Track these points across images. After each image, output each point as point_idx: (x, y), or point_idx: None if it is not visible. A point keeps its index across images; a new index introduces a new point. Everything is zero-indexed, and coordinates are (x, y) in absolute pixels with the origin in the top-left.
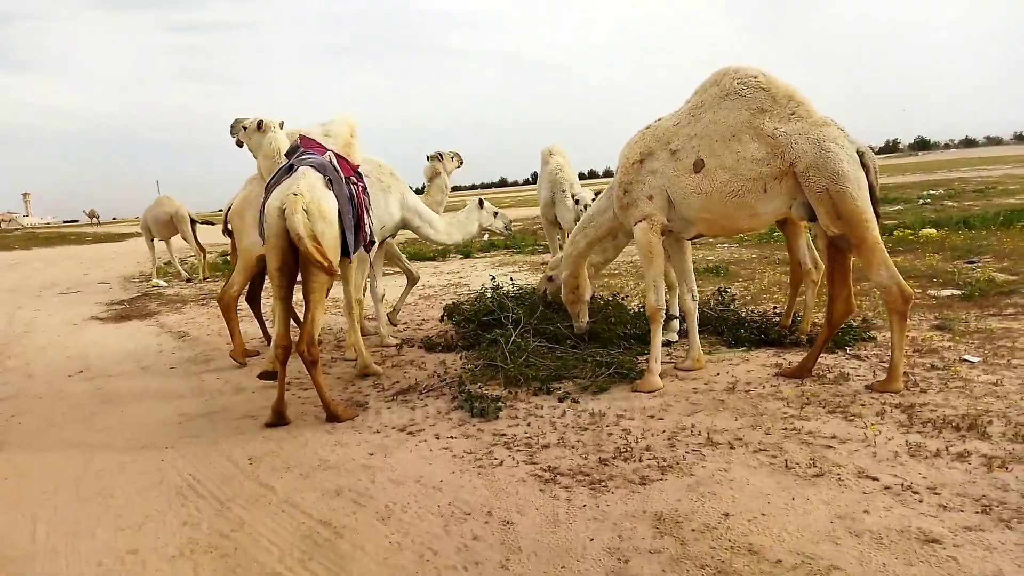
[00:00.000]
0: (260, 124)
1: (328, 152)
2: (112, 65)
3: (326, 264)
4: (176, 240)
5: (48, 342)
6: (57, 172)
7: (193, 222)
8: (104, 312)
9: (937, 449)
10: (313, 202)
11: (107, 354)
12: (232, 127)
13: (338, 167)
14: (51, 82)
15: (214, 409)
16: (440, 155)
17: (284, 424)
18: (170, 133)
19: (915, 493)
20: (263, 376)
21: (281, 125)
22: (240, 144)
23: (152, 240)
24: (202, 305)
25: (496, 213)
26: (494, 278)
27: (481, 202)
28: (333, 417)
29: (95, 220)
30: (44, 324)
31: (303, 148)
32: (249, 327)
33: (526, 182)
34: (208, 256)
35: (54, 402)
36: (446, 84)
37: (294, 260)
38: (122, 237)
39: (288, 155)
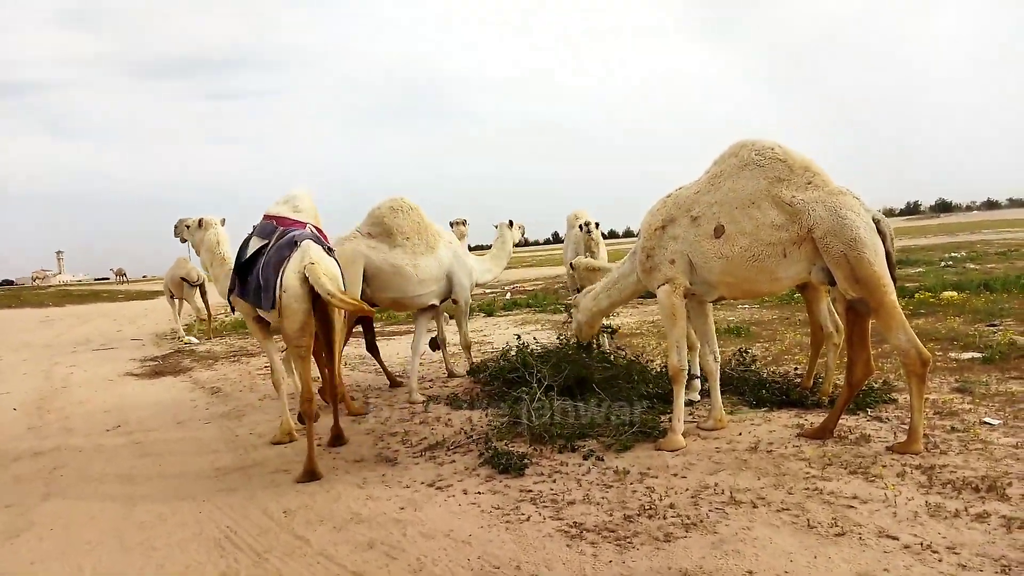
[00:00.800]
0: (201, 222)
1: (307, 225)
2: (143, 130)
3: (357, 305)
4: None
5: (85, 397)
6: (89, 232)
7: (203, 285)
8: (138, 368)
9: (956, 510)
10: (326, 267)
11: (143, 409)
12: (176, 227)
13: (319, 236)
14: (86, 146)
15: (248, 463)
16: (511, 223)
17: (316, 479)
18: (200, 195)
19: (935, 552)
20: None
21: (223, 222)
22: (183, 240)
23: (173, 298)
24: (234, 362)
25: (520, 227)
26: (519, 336)
27: (511, 222)
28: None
29: (123, 278)
30: (80, 379)
31: (281, 227)
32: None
33: (547, 241)
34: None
35: (93, 455)
36: (468, 147)
37: (312, 321)
38: (153, 295)
39: (264, 235)
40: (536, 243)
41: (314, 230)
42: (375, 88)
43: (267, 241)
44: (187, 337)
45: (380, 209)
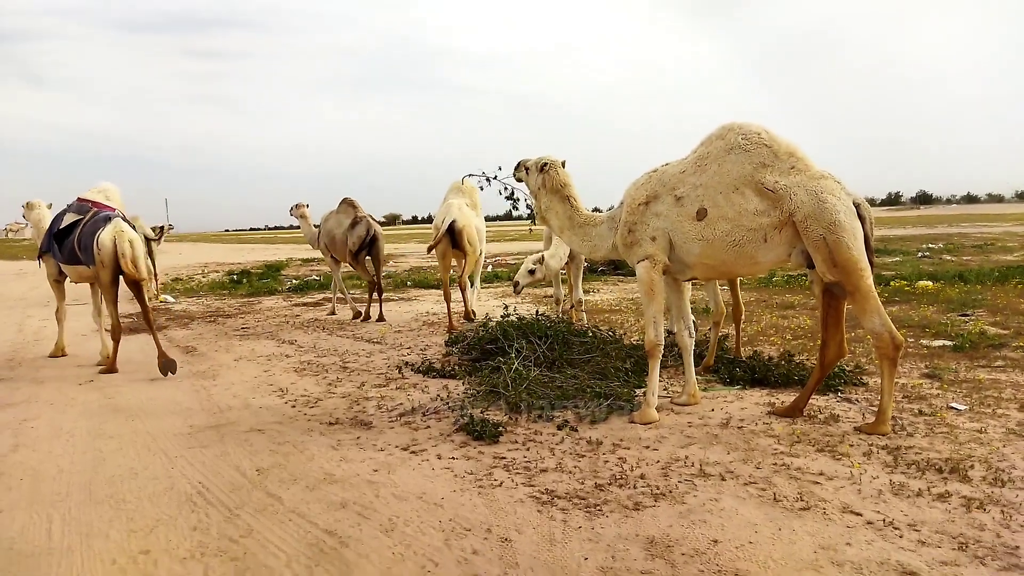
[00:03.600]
0: (29, 204)
1: (116, 210)
2: (125, 86)
3: (141, 276)
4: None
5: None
6: (65, 187)
7: (148, 242)
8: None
9: (919, 489)
10: (134, 238)
11: (117, 365)
12: (23, 208)
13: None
14: (64, 99)
15: (222, 422)
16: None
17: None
18: (181, 155)
19: (896, 529)
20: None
21: (50, 206)
22: (25, 218)
23: None
24: (210, 322)
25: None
26: (506, 307)
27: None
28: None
29: None
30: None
31: (95, 208)
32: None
33: (530, 216)
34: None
35: (64, 409)
36: (452, 119)
37: (118, 276)
38: None
39: (80, 212)
40: (520, 218)
41: (121, 214)
42: (363, 55)
43: (82, 217)
44: (163, 295)
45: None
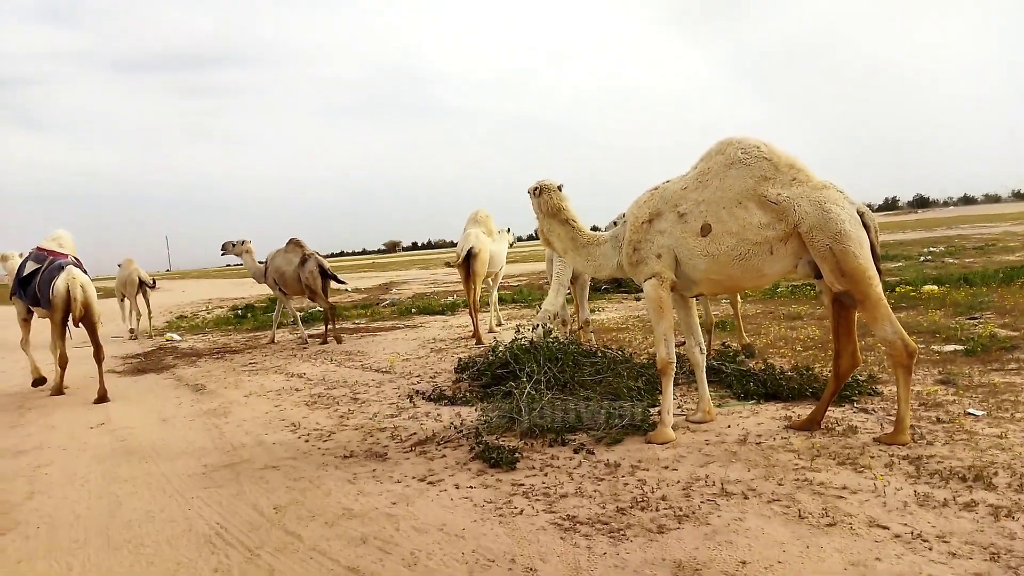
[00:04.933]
0: (2, 255)
1: (69, 256)
2: (122, 125)
3: (97, 320)
4: (153, 297)
5: (67, 395)
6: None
7: (143, 284)
8: (120, 366)
9: (945, 499)
10: (86, 283)
11: (126, 407)
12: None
13: (78, 262)
14: (60, 142)
15: (236, 460)
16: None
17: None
18: (179, 192)
19: (925, 541)
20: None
21: (20, 255)
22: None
23: (123, 299)
24: (217, 359)
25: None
26: (519, 328)
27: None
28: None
29: None
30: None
31: (50, 256)
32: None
33: (530, 237)
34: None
35: (77, 453)
36: (447, 143)
37: (67, 317)
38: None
39: (39, 261)
40: (520, 239)
41: (74, 259)
42: (356, 84)
43: (40, 265)
44: (168, 334)
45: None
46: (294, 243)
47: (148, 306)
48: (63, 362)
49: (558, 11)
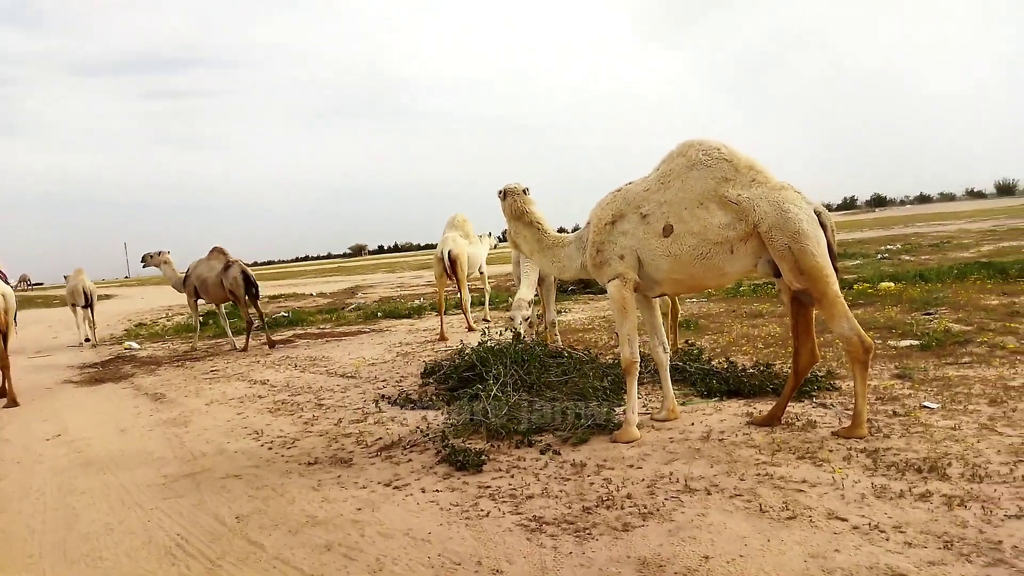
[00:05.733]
0: None
1: None
2: (85, 128)
3: (11, 330)
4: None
5: (21, 407)
6: (25, 234)
7: (86, 296)
8: (77, 375)
9: (901, 490)
10: (7, 293)
11: (84, 417)
12: None
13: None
14: (25, 145)
15: (197, 470)
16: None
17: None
18: (143, 195)
19: (882, 532)
20: None
21: None
22: None
23: (74, 307)
24: (177, 367)
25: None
26: (484, 332)
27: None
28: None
29: (26, 284)
30: (16, 388)
31: None
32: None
33: (500, 240)
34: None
35: (32, 466)
36: (420, 145)
37: None
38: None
39: None
40: (503, 241)
41: None
42: (329, 87)
43: None
44: (127, 342)
45: None
46: (217, 251)
47: (92, 316)
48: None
49: (533, 16)
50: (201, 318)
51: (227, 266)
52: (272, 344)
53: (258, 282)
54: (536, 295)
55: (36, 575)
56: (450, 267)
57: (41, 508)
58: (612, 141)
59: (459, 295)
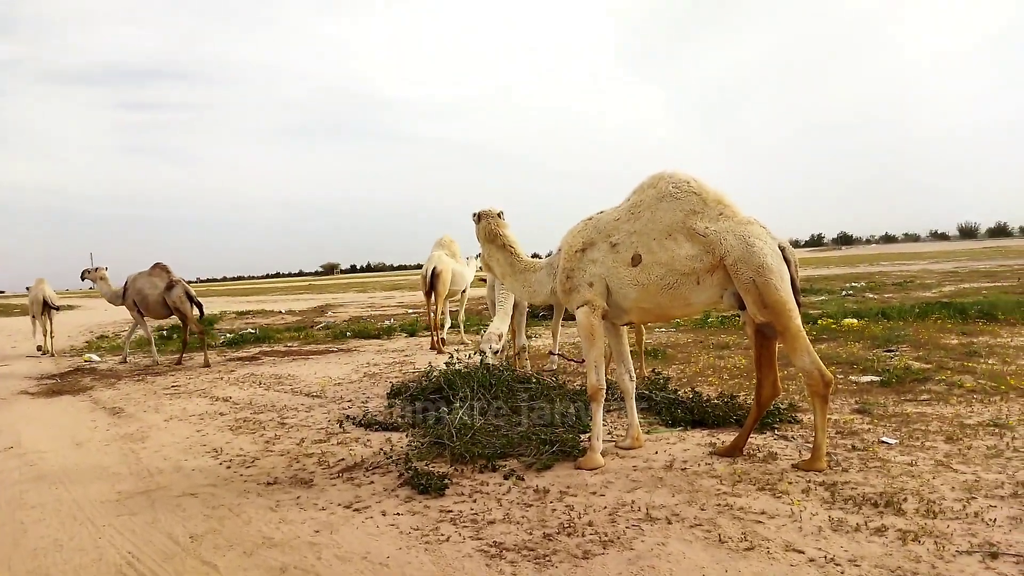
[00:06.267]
0: None
1: None
2: (54, 137)
3: None
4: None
5: None
6: None
7: (47, 305)
8: (34, 387)
9: (857, 524)
10: None
11: (38, 430)
12: None
13: None
14: None
15: (152, 487)
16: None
17: None
18: (111, 206)
19: (837, 565)
20: None
21: None
22: None
23: (33, 318)
24: (138, 381)
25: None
26: (452, 355)
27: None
28: None
29: None
30: None
31: None
32: None
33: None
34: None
35: None
36: (395, 168)
37: None
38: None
39: None
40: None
41: None
42: (306, 107)
43: None
44: (88, 354)
45: None
46: (160, 267)
47: (51, 327)
48: None
49: (508, 42)
50: (164, 332)
51: (170, 285)
52: (207, 364)
53: (203, 299)
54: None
55: None
56: (431, 283)
57: None
58: (585, 167)
59: (433, 313)
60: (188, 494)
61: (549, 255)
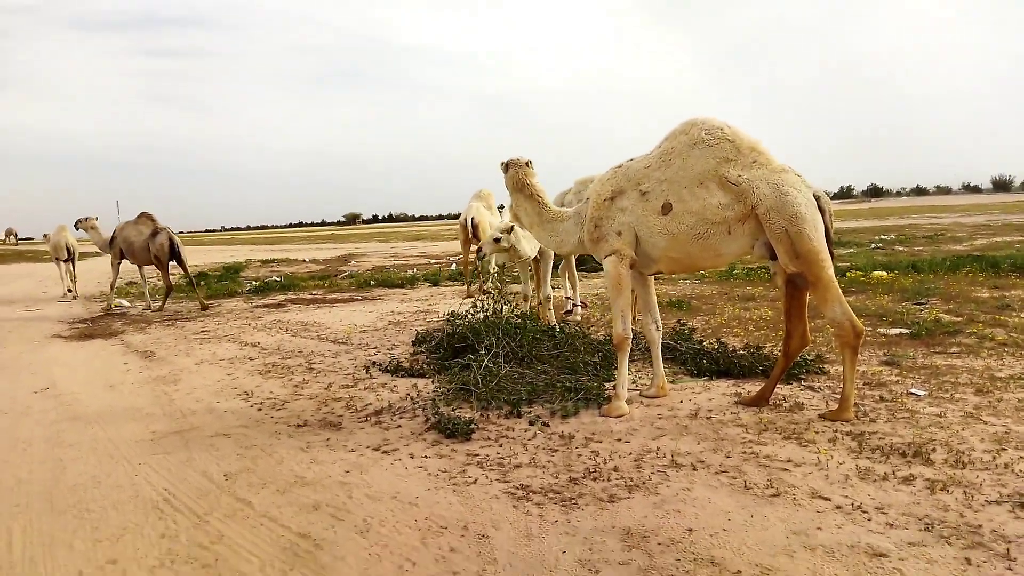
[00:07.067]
0: None
1: None
2: (82, 85)
3: None
4: (102, 262)
5: (10, 359)
6: (17, 190)
7: (68, 251)
8: (67, 330)
9: (885, 473)
10: None
11: (72, 372)
12: None
13: None
14: (15, 99)
15: (186, 428)
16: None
17: None
18: (137, 154)
19: (864, 512)
20: None
21: None
22: None
23: (57, 260)
24: (168, 326)
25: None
26: (475, 304)
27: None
28: None
29: (12, 239)
30: (5, 341)
31: None
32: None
33: None
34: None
35: (20, 418)
36: (416, 117)
37: None
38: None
39: None
40: None
41: None
42: (327, 55)
43: None
44: (117, 299)
45: None
46: (146, 216)
47: (74, 271)
48: None
49: None
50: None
51: (155, 232)
52: (205, 307)
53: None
54: (530, 270)
55: (22, 524)
56: (472, 232)
57: (29, 459)
58: (605, 124)
59: (466, 260)
60: (221, 434)
61: (558, 201)
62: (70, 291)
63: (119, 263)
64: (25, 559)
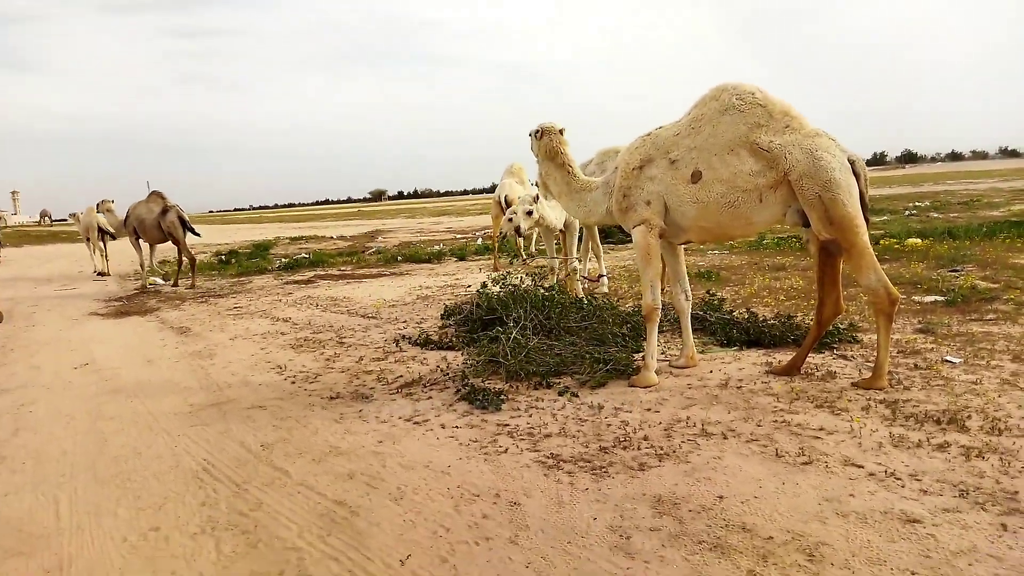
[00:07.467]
0: None
1: None
2: (110, 67)
3: None
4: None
5: (50, 336)
6: (49, 172)
7: (102, 231)
8: (103, 308)
9: (919, 440)
10: None
11: (110, 348)
12: None
13: None
14: (48, 83)
15: (222, 400)
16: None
17: None
18: (166, 135)
19: (898, 479)
20: None
21: None
22: None
23: (88, 241)
24: (201, 303)
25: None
26: (505, 276)
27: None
28: None
29: (47, 220)
30: (44, 319)
31: None
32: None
33: None
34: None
35: (62, 392)
36: (438, 91)
37: None
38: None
39: None
40: None
41: None
42: (349, 30)
43: None
44: (152, 277)
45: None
46: (156, 195)
47: (105, 250)
48: None
49: None
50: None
51: (165, 210)
52: (193, 285)
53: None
54: (558, 242)
55: (68, 493)
56: (506, 208)
57: (72, 432)
58: (632, 91)
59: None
60: (257, 407)
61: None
62: (100, 272)
63: (137, 240)
64: (72, 527)
